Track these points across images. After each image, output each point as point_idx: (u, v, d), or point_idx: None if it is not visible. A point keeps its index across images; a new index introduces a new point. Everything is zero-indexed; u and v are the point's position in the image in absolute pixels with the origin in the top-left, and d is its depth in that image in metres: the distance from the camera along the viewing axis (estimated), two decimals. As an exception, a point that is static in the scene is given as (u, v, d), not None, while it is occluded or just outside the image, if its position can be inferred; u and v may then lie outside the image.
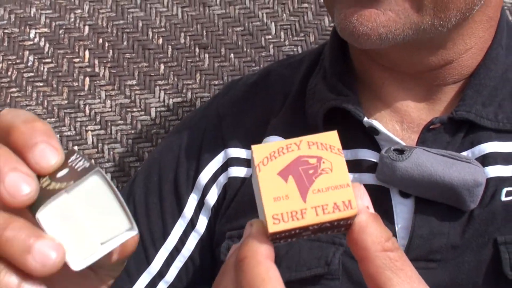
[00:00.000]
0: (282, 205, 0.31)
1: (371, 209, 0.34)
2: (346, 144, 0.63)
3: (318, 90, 0.66)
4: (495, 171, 0.58)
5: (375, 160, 0.61)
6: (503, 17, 0.64)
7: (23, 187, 0.33)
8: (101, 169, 0.35)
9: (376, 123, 0.60)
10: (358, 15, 0.55)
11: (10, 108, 0.36)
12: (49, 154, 0.34)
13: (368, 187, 0.59)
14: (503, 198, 0.57)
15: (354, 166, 0.62)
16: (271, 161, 0.32)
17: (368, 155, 0.62)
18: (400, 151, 0.58)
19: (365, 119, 0.61)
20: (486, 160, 0.58)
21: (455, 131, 0.60)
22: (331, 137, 0.33)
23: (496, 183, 0.57)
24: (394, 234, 0.59)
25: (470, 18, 0.59)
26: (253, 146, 0.32)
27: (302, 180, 0.32)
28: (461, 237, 0.57)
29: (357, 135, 0.62)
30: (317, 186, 0.31)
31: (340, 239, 0.59)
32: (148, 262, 0.65)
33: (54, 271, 0.32)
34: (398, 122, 0.63)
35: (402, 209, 0.59)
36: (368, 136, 0.62)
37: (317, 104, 0.64)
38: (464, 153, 0.59)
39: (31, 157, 0.34)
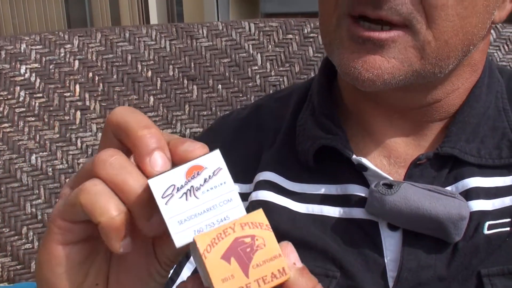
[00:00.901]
0: (230, 284, 0.36)
1: (298, 264, 0.39)
2: (336, 179, 0.66)
3: (308, 127, 0.68)
4: (478, 205, 0.61)
5: (363, 195, 0.63)
6: (487, 60, 0.67)
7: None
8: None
9: (364, 161, 0.62)
10: (363, 62, 0.57)
11: (123, 107, 0.41)
12: (161, 162, 0.38)
13: (358, 221, 0.63)
14: (486, 232, 0.60)
15: (344, 200, 0.64)
16: (213, 248, 0.37)
17: (357, 190, 0.64)
18: (389, 185, 0.60)
19: (354, 156, 0.63)
20: (469, 194, 0.61)
21: (440, 166, 0.63)
22: (259, 216, 0.38)
23: (479, 217, 0.60)
24: (384, 267, 0.61)
25: (459, 64, 0.62)
26: (195, 237, 0.37)
27: (242, 258, 0.37)
28: (447, 269, 0.59)
29: (346, 171, 0.65)
30: (256, 261, 0.37)
31: (333, 272, 0.61)
32: (187, 256, 0.68)
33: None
34: (386, 157, 0.66)
35: (391, 241, 0.62)
36: (357, 172, 0.64)
37: (308, 142, 0.67)
38: (449, 188, 0.62)
39: (147, 162, 0.38)
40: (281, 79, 1.00)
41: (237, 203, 0.38)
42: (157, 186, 0.37)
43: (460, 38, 0.58)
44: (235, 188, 0.38)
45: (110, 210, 0.37)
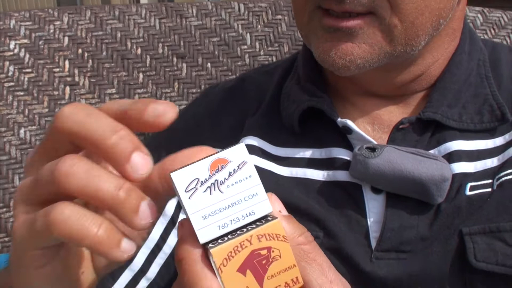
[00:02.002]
0: None
1: (284, 212, 0.39)
2: (320, 143, 0.67)
3: (293, 92, 0.69)
4: (460, 167, 0.62)
5: (348, 158, 0.64)
6: (466, 26, 0.68)
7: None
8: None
9: (349, 122, 0.63)
10: (336, 49, 0.59)
11: (71, 107, 0.36)
12: (142, 163, 0.35)
13: (342, 184, 0.64)
14: (468, 193, 0.61)
15: (328, 164, 0.65)
16: (229, 261, 0.36)
17: (341, 153, 0.65)
18: (372, 149, 0.61)
19: (339, 119, 0.64)
20: (451, 157, 0.62)
21: (423, 130, 0.64)
22: (276, 227, 0.37)
23: (461, 179, 0.61)
24: (367, 228, 0.62)
25: (436, 36, 0.63)
26: (211, 251, 0.36)
27: (258, 271, 0.37)
28: (429, 229, 0.60)
29: (330, 134, 0.66)
30: (271, 273, 0.37)
31: (316, 233, 0.62)
32: (130, 259, 0.67)
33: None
34: (369, 124, 0.67)
35: (374, 204, 0.62)
36: (341, 136, 0.65)
37: (293, 106, 0.68)
38: (432, 151, 0.63)
39: (128, 169, 0.35)
40: (270, 59, 1.00)
41: (263, 198, 0.38)
42: (180, 179, 0.36)
43: (427, 16, 0.59)
44: (261, 182, 0.37)
45: (89, 229, 0.35)
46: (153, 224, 0.39)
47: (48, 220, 0.35)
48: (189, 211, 0.36)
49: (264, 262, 0.37)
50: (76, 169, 0.35)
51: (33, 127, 0.91)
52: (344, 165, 0.64)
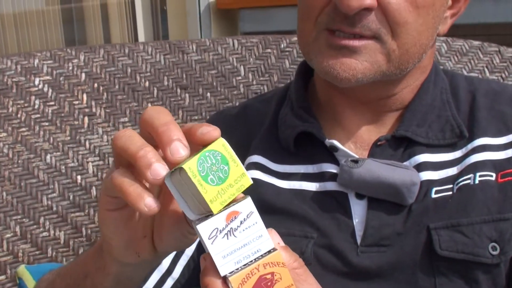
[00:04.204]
0: None
1: (281, 243, 0.52)
2: (312, 160, 0.80)
3: (288, 119, 0.82)
4: (427, 175, 0.75)
5: (335, 171, 0.77)
6: (434, 63, 0.82)
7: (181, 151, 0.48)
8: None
9: (336, 142, 0.76)
10: (341, 64, 0.71)
11: (154, 107, 0.52)
12: (180, 150, 0.48)
13: (331, 193, 0.77)
14: (433, 196, 0.74)
15: (319, 177, 0.78)
16: (243, 285, 0.48)
17: (330, 167, 0.78)
18: (355, 161, 0.75)
19: (327, 139, 0.78)
20: (420, 167, 0.76)
21: (396, 146, 0.77)
22: (277, 256, 0.50)
23: (427, 184, 0.75)
24: (353, 228, 0.75)
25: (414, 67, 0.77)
26: (230, 278, 0.48)
27: None
28: (403, 226, 0.73)
29: (320, 152, 0.79)
30: None
31: (311, 234, 0.75)
32: (158, 262, 0.79)
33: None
34: (353, 143, 0.80)
35: (358, 208, 0.75)
36: (329, 153, 0.78)
37: (288, 130, 0.81)
38: (404, 163, 0.77)
39: (168, 150, 0.47)
40: (261, 88, 1.13)
41: (266, 238, 0.50)
42: (204, 230, 0.48)
43: (417, 48, 0.73)
44: (264, 227, 0.49)
45: (126, 184, 0.49)
46: None
47: (108, 175, 0.51)
48: (213, 253, 0.48)
49: (269, 284, 0.49)
50: (121, 134, 0.50)
51: (58, 153, 1.04)
52: (332, 177, 0.77)
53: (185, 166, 0.47)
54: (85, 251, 0.74)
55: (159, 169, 0.47)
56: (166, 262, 0.78)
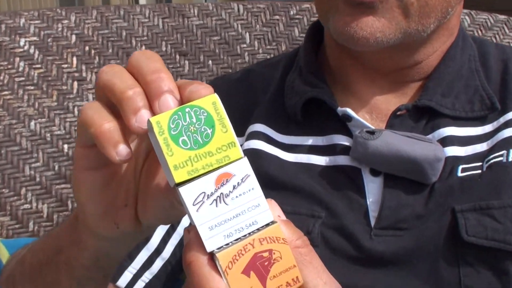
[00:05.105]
0: None
1: (283, 217, 0.42)
2: (322, 131, 0.71)
3: (296, 85, 0.74)
4: (452, 151, 0.67)
5: (348, 144, 0.69)
6: (461, 25, 0.74)
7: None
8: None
9: (349, 110, 0.68)
10: (358, 22, 0.63)
11: (141, 51, 0.43)
12: (171, 104, 0.40)
13: (343, 168, 0.69)
14: (459, 174, 0.66)
15: (330, 150, 0.70)
16: (234, 264, 0.39)
17: (341, 139, 0.70)
18: (371, 132, 0.66)
19: (339, 108, 0.69)
20: (444, 142, 0.67)
21: (418, 117, 0.69)
22: (276, 230, 0.40)
23: (453, 161, 0.66)
24: (366, 207, 0.66)
25: (439, 26, 0.68)
26: (217, 255, 0.39)
27: (261, 272, 0.40)
28: (424, 207, 0.65)
29: (331, 123, 0.71)
30: (273, 273, 0.40)
31: (319, 213, 0.67)
32: (147, 239, 0.71)
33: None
34: (368, 113, 0.72)
35: (373, 186, 0.67)
36: (341, 123, 0.70)
37: (296, 97, 0.72)
38: (427, 136, 0.68)
39: (156, 104, 0.39)
40: (268, 57, 1.05)
41: (265, 208, 0.41)
42: (188, 193, 0.39)
43: (439, 0, 0.65)
44: (263, 194, 0.40)
45: (97, 120, 0.40)
46: None
47: (80, 109, 0.43)
48: (197, 223, 0.39)
49: (266, 263, 0.40)
50: (108, 68, 0.42)
51: (43, 119, 0.95)
52: (344, 150, 0.69)
53: (152, 118, 0.39)
54: (61, 223, 0.65)
55: (146, 118, 0.39)
56: (155, 240, 0.70)
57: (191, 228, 0.40)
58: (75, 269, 0.53)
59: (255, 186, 0.41)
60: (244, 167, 0.40)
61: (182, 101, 0.41)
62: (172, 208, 0.46)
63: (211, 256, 0.40)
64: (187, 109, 0.39)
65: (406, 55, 0.70)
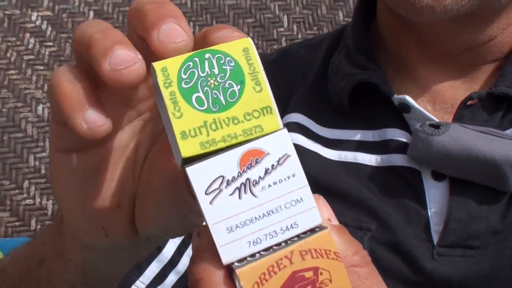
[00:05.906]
0: None
1: (334, 221, 0.30)
2: (373, 124, 0.60)
3: (342, 67, 0.63)
4: (539, 152, 0.54)
5: (405, 140, 0.57)
6: None
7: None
8: None
9: (408, 98, 0.56)
10: None
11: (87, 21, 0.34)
12: (178, 31, 0.29)
13: (398, 169, 0.57)
14: (547, 181, 0.53)
15: (382, 147, 0.59)
16: (262, 286, 0.27)
17: (397, 134, 0.58)
18: (436, 126, 0.54)
19: (395, 95, 0.57)
20: (527, 140, 0.54)
21: (493, 108, 0.57)
22: (326, 240, 0.28)
23: (539, 165, 0.53)
24: (427, 219, 0.55)
25: None
26: (238, 271, 0.27)
27: None
28: (501, 221, 0.53)
29: (385, 113, 0.59)
30: None
31: (368, 224, 0.55)
32: (158, 249, 0.60)
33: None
34: (430, 102, 0.60)
35: (435, 192, 0.55)
36: (397, 115, 0.59)
37: (342, 82, 0.61)
38: (506, 132, 0.56)
39: (155, 34, 0.29)
40: (308, 43, 0.96)
41: (311, 205, 0.29)
42: (199, 176, 0.28)
43: None
44: (308, 184, 0.29)
45: (61, 82, 0.31)
46: None
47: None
48: (210, 221, 0.28)
49: None
50: (85, 22, 0.33)
51: (52, 104, 0.87)
52: (400, 147, 0.58)
53: (157, 63, 0.27)
54: (49, 224, 0.55)
55: (126, 57, 0.28)
56: (169, 250, 0.60)
57: (203, 230, 0.29)
58: (58, 287, 0.42)
59: (298, 171, 0.28)
60: (283, 143, 0.28)
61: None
62: (181, 217, 0.35)
63: (229, 271, 0.28)
64: (207, 55, 0.28)
65: (476, 30, 0.58)
